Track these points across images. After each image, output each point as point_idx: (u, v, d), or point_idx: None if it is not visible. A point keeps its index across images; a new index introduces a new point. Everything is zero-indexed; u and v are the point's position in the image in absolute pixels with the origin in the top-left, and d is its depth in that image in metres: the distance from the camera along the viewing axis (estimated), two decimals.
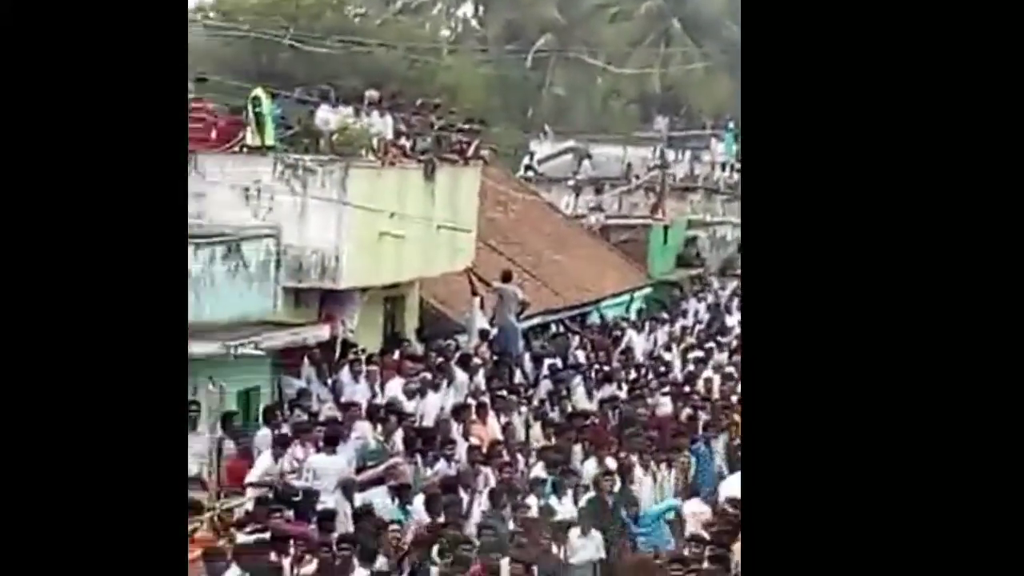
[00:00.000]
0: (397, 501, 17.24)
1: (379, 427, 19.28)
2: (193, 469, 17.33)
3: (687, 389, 24.88)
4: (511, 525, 16.66)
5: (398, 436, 19.25)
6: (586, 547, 16.84)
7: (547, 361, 25.58)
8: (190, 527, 15.39)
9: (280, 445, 17.54)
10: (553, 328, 28.83)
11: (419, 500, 17.04)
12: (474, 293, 25.67)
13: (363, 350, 21.53)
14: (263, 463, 17.34)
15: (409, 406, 20.52)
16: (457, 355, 23.26)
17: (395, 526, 15.84)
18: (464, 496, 17.51)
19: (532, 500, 17.59)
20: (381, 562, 14.89)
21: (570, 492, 17.97)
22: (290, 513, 16.29)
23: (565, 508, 17.46)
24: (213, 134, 21.42)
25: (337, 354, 21.18)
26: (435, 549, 15.24)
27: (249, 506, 16.38)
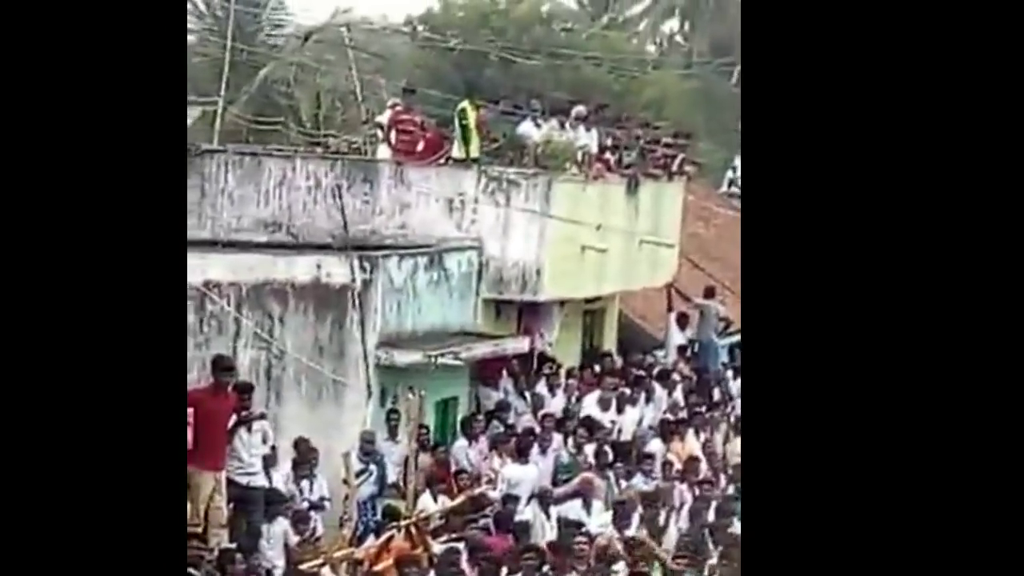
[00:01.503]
0: (592, 515, 17.25)
1: (570, 440, 19.30)
2: (391, 477, 17.55)
3: None
4: (710, 544, 16.55)
5: (590, 449, 19.25)
6: None
7: None
8: (386, 534, 15.58)
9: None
10: None
11: (613, 515, 17.02)
12: (670, 308, 25.57)
13: (559, 365, 21.59)
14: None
15: (605, 420, 20.51)
16: (656, 370, 23.20)
17: (582, 538, 15.85)
18: (661, 512, 17.44)
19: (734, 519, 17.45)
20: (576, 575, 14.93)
21: None
22: (486, 522, 16.40)
23: None
24: (420, 146, 21.66)
25: (535, 366, 21.25)
26: (627, 564, 15.22)
27: (444, 515, 16.49)
